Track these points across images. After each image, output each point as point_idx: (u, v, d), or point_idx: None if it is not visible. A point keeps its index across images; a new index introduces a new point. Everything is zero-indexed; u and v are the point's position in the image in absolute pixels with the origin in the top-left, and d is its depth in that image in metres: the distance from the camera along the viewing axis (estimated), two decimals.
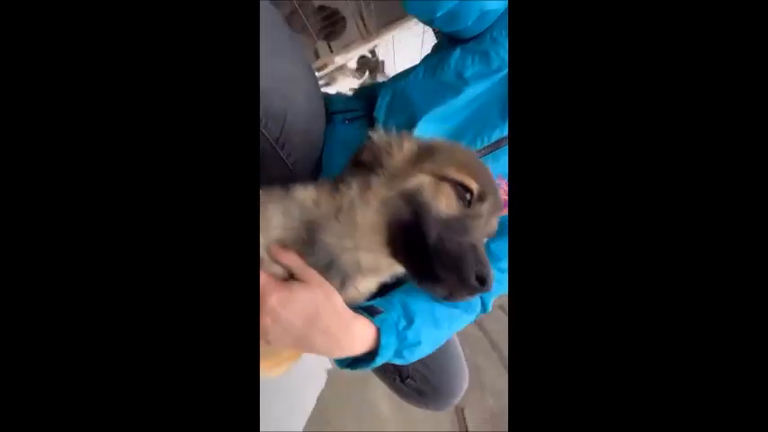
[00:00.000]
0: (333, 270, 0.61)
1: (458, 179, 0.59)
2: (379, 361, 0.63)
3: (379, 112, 0.87)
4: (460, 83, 0.80)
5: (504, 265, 0.76)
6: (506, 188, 0.81)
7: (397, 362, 0.68)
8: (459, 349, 1.01)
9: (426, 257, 0.54)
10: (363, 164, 0.64)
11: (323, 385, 1.77)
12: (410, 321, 0.66)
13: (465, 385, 0.98)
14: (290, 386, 1.56)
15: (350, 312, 0.61)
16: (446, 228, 0.55)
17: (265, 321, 0.56)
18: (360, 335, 0.62)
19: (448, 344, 0.95)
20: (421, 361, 0.80)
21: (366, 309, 0.65)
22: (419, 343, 0.67)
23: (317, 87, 0.85)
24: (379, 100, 0.89)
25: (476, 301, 0.78)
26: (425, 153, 0.63)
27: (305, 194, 0.62)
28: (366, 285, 0.66)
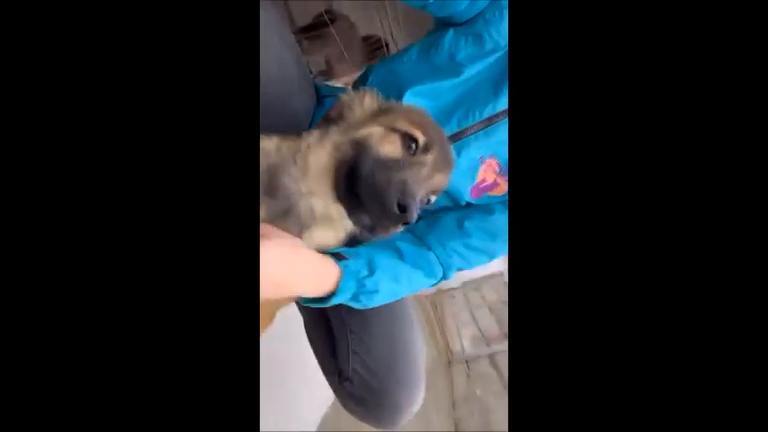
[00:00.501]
0: (291, 217, 0.63)
1: (406, 130, 0.62)
2: (335, 300, 0.67)
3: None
4: (453, 65, 0.82)
5: (474, 242, 0.81)
6: (496, 168, 0.80)
7: (355, 305, 0.71)
8: (420, 356, 0.91)
9: (356, 187, 0.57)
10: (330, 120, 0.68)
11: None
12: (371, 272, 0.70)
13: (416, 398, 0.88)
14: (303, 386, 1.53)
15: (315, 253, 0.63)
16: (381, 165, 0.58)
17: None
18: (326, 274, 0.65)
19: (404, 347, 0.89)
20: (363, 363, 0.85)
21: (334, 254, 0.69)
22: (376, 291, 0.70)
23: (296, 61, 0.86)
24: (370, 78, 0.91)
25: (437, 267, 0.80)
26: (383, 110, 0.67)
27: (268, 143, 0.64)
28: (323, 237, 0.66)
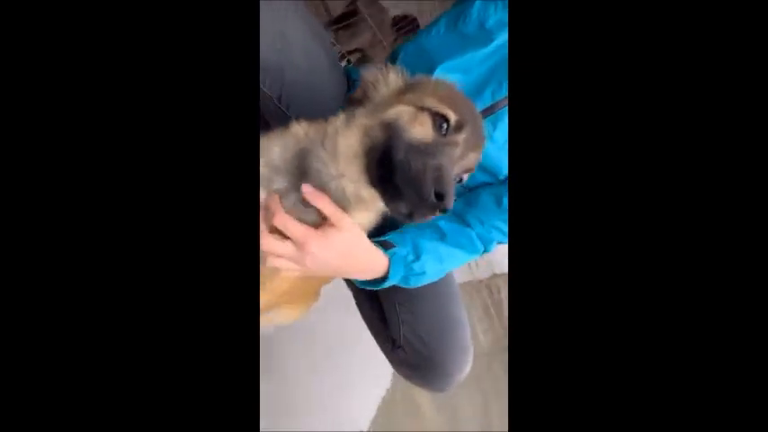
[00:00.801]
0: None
1: (436, 109, 0.59)
2: (387, 284, 0.74)
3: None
4: (483, 33, 0.79)
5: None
6: None
7: (404, 286, 0.78)
8: (465, 326, 0.94)
9: (392, 174, 0.55)
10: (356, 101, 0.67)
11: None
12: (417, 256, 0.76)
13: (466, 360, 0.91)
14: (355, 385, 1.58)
15: (371, 246, 0.69)
16: (415, 150, 0.56)
17: (305, 261, 0.63)
18: (377, 264, 0.72)
19: (449, 317, 0.92)
20: (414, 331, 0.89)
21: (381, 243, 0.74)
22: (424, 273, 0.77)
23: (324, 48, 0.85)
24: (400, 56, 0.90)
25: (478, 243, 0.83)
26: (409, 87, 0.65)
27: (298, 128, 0.66)
28: (358, 219, 0.67)
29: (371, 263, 0.71)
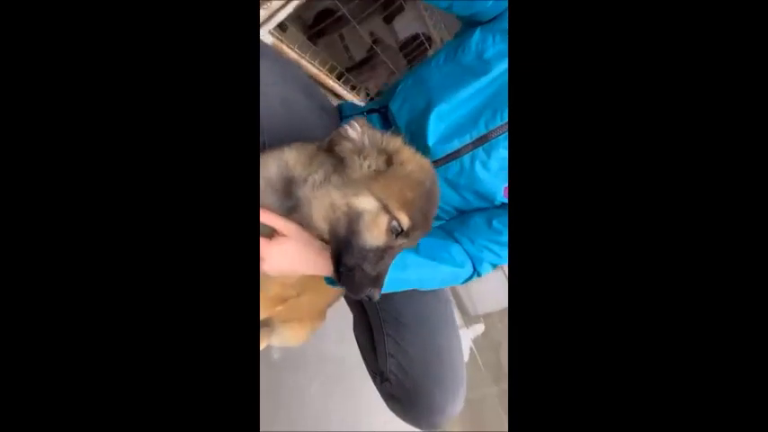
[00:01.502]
0: (297, 214, 0.72)
1: (395, 215, 0.67)
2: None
3: (396, 99, 0.90)
4: (481, 65, 0.82)
5: (505, 239, 0.83)
6: None
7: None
8: (459, 360, 0.92)
9: (341, 269, 0.67)
10: (331, 152, 0.71)
11: None
12: (403, 269, 0.77)
13: (454, 401, 0.88)
14: None
15: (323, 246, 0.73)
16: (363, 258, 0.67)
17: (263, 266, 0.71)
18: (326, 262, 0.73)
19: (439, 350, 0.91)
20: (399, 365, 0.90)
21: None
22: (406, 281, 0.78)
23: (304, 94, 0.88)
24: (399, 88, 0.93)
25: (464, 259, 0.84)
26: (382, 174, 0.69)
27: (288, 154, 0.74)
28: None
29: (326, 261, 0.72)
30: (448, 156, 0.83)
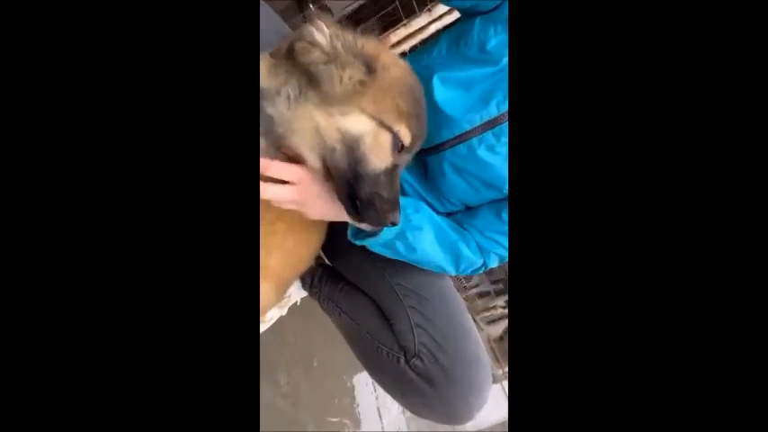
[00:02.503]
0: (266, 139, 0.64)
1: (397, 130, 0.62)
2: (385, 235, 0.73)
3: None
4: (485, 56, 0.79)
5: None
6: None
7: (401, 246, 0.76)
8: (478, 335, 0.85)
9: (356, 204, 0.63)
10: (294, 59, 0.60)
11: None
12: (417, 210, 0.76)
13: (487, 382, 0.80)
14: None
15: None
16: (377, 184, 0.63)
17: (307, 202, 0.67)
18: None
19: (465, 326, 0.84)
20: (430, 336, 0.80)
21: None
22: (421, 229, 0.75)
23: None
24: None
25: (475, 247, 0.83)
26: (368, 85, 0.61)
27: (263, 60, 0.64)
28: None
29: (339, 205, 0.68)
30: (457, 137, 0.79)
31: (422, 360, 0.79)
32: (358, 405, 1.48)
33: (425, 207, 0.78)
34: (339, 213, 0.69)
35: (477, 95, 0.78)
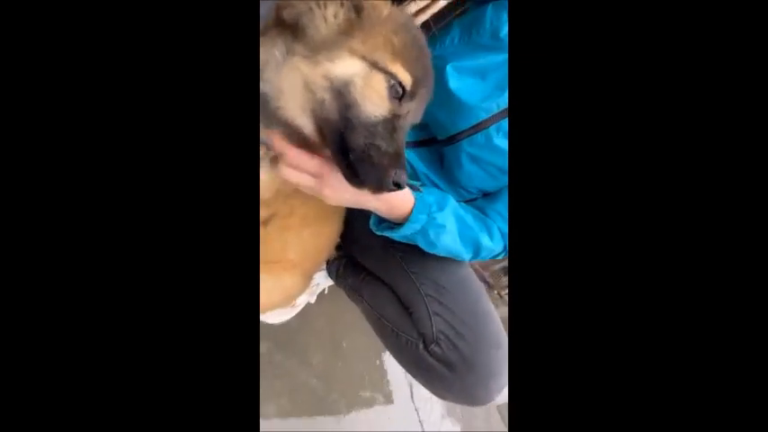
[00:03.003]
0: (272, 122, 0.59)
1: (391, 70, 0.55)
2: (407, 228, 0.73)
3: None
4: (498, 43, 0.78)
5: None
6: None
7: (421, 241, 0.76)
8: (497, 316, 0.85)
9: (352, 162, 0.55)
10: (284, 24, 0.56)
11: None
12: (441, 208, 0.75)
13: (506, 365, 0.80)
14: None
15: None
16: (373, 134, 0.55)
17: (324, 192, 0.64)
18: (399, 201, 0.70)
19: (483, 310, 0.84)
20: (447, 323, 0.81)
21: (410, 186, 0.71)
22: (443, 227, 0.75)
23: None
24: None
25: (497, 235, 0.83)
26: (356, 23, 0.56)
27: None
28: None
29: (394, 197, 0.68)
30: (473, 127, 0.79)
31: (440, 346, 0.80)
32: (388, 382, 1.52)
33: (450, 201, 0.77)
34: (357, 198, 0.67)
35: (493, 83, 0.78)
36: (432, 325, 0.81)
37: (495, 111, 0.77)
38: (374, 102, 0.56)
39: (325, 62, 0.54)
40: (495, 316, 0.85)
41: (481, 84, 0.78)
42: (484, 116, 0.78)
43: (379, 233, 0.78)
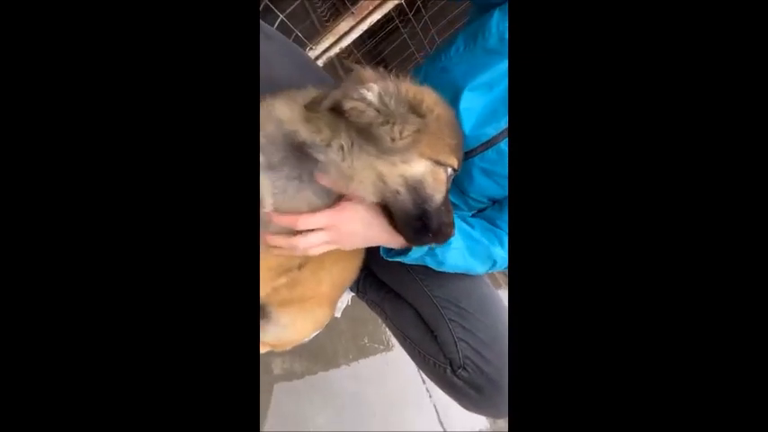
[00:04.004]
0: (325, 174, 0.66)
1: (450, 163, 0.68)
2: (414, 253, 0.78)
3: None
4: (506, 47, 0.77)
5: None
6: None
7: (430, 261, 0.81)
8: None
9: (429, 234, 0.69)
10: (344, 114, 0.62)
11: None
12: None
13: None
14: None
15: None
16: (440, 213, 0.68)
17: (341, 240, 0.71)
18: (391, 235, 0.73)
19: (506, 330, 0.85)
20: (472, 348, 0.84)
21: None
22: (449, 245, 0.78)
23: (309, 75, 0.83)
24: (419, 79, 0.88)
25: (506, 244, 0.86)
26: (423, 131, 0.65)
27: (279, 110, 0.66)
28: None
29: (387, 234, 0.73)
30: (484, 144, 0.81)
31: (467, 371, 0.83)
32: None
33: (456, 221, 0.80)
34: (376, 239, 0.74)
35: (498, 99, 0.78)
36: (458, 351, 0.84)
37: (504, 126, 0.78)
38: (440, 190, 0.68)
39: (401, 164, 0.64)
40: None
41: (488, 95, 0.79)
42: (493, 133, 0.79)
43: (390, 259, 0.82)
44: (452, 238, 0.77)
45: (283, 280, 0.77)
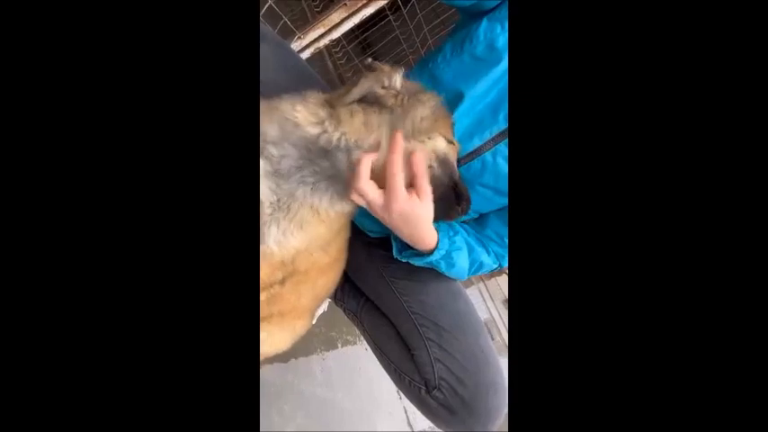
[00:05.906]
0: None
1: (455, 141, 0.74)
2: (436, 254, 0.79)
3: None
4: (494, 54, 0.77)
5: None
6: None
7: (445, 266, 0.82)
8: (495, 353, 0.89)
9: (456, 199, 0.74)
10: (376, 103, 0.66)
11: None
12: (455, 232, 0.85)
13: (504, 402, 0.84)
14: None
15: (430, 222, 0.74)
16: (464, 182, 0.75)
17: (384, 217, 0.70)
18: (429, 238, 0.77)
19: (484, 351, 0.87)
20: (449, 369, 0.84)
21: None
22: (461, 249, 0.83)
23: (304, 81, 0.85)
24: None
25: (492, 254, 0.91)
26: (437, 116, 0.72)
27: (300, 115, 0.66)
28: None
29: (426, 235, 0.76)
30: (469, 154, 0.81)
31: (442, 392, 0.83)
32: None
33: (458, 227, 0.85)
34: (408, 236, 0.75)
35: (489, 105, 0.78)
36: (434, 372, 0.85)
37: (489, 137, 0.78)
38: (455, 165, 0.74)
39: (429, 141, 0.70)
40: (493, 354, 0.89)
41: (481, 103, 0.79)
42: (478, 144, 0.79)
43: (404, 260, 0.84)
44: (462, 243, 0.83)
45: (263, 296, 0.75)
